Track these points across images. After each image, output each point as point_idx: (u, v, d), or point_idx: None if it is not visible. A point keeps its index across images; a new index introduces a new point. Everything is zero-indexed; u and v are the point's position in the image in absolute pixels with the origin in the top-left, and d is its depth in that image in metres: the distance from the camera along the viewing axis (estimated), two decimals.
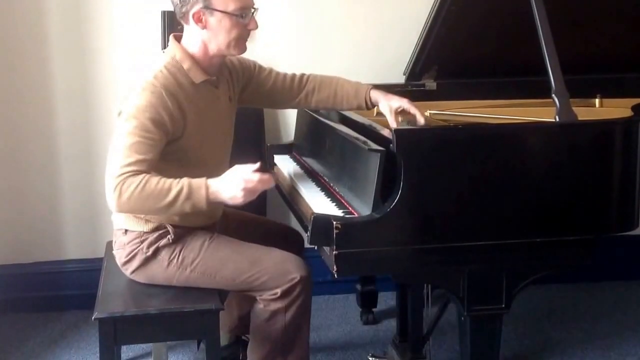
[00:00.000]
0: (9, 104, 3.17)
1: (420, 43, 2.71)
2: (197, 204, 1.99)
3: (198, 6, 2.07)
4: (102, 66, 3.16)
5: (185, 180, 1.99)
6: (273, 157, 2.95)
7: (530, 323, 3.11)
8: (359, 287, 3.15)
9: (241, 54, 2.19)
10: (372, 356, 2.70)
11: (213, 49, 2.13)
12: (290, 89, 2.41)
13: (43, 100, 3.18)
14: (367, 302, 3.15)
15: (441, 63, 2.82)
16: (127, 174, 1.97)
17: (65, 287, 3.26)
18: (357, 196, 2.09)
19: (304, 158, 2.79)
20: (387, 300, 3.24)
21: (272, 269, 2.12)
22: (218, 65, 2.22)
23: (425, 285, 2.49)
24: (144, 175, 1.97)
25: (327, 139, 2.45)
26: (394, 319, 2.93)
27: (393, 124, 2.23)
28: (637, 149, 2.06)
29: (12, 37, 3.12)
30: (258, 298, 2.15)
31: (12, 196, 3.23)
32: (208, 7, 2.06)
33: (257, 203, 3.16)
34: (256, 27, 2.14)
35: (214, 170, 2.10)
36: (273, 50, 3.23)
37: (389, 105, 2.28)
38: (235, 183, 1.99)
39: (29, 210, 3.25)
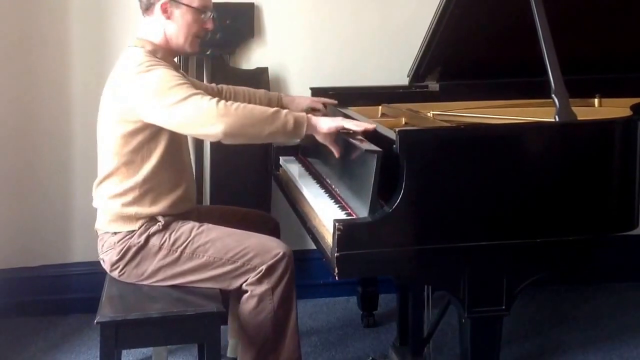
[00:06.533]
0: (23, 106, 3.15)
1: (424, 46, 2.73)
2: (298, 118, 2.12)
3: None
4: None
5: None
6: (279, 158, 2.95)
7: (530, 325, 3.11)
8: (359, 289, 3.15)
9: (194, 53, 2.45)
10: (372, 359, 2.70)
11: (172, 41, 2.27)
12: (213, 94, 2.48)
13: (58, 102, 3.17)
14: (368, 304, 3.15)
15: (444, 65, 2.84)
16: (202, 95, 2.11)
17: (71, 291, 3.25)
18: (356, 197, 2.09)
19: (309, 160, 2.78)
20: (388, 302, 3.24)
21: (257, 246, 2.22)
22: (172, 61, 2.36)
23: (425, 287, 2.49)
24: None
25: None
26: (395, 321, 2.93)
27: None
28: (637, 148, 2.07)
29: (31, 39, 3.11)
30: (244, 286, 2.21)
31: (20, 198, 3.21)
32: (175, 0, 2.22)
33: (263, 200, 3.18)
34: (212, 28, 2.33)
35: (187, 164, 2.38)
36: (279, 54, 3.24)
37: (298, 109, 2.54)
38: (334, 120, 2.16)
39: (35, 213, 3.23)
